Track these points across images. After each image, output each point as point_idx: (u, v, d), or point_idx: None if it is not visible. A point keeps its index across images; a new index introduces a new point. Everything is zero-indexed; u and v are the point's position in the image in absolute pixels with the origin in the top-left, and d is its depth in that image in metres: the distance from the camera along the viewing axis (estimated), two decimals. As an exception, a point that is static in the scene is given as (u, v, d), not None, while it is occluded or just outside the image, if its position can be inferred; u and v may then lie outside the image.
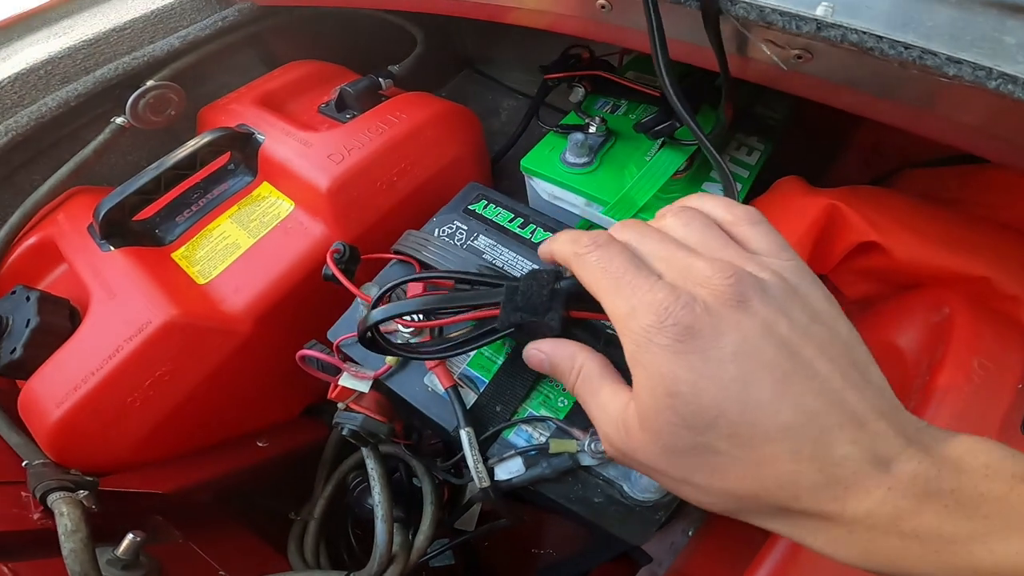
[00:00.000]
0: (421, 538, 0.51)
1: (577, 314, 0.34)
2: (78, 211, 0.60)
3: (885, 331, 0.47)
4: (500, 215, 0.50)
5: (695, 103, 0.52)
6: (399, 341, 0.41)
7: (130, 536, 0.41)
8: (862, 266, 0.49)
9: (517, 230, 0.48)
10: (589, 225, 0.55)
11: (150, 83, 0.71)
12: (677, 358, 0.21)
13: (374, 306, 0.36)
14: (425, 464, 0.57)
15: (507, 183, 0.85)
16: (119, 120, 0.69)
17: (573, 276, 0.33)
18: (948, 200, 0.53)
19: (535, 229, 0.48)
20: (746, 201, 0.54)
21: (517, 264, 0.45)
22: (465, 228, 0.48)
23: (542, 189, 0.56)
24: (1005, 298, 0.45)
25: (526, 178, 0.58)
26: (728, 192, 0.47)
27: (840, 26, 0.32)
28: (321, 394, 0.62)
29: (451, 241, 0.47)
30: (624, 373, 0.26)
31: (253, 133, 0.62)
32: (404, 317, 0.40)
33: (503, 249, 0.46)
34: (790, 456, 0.20)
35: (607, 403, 0.26)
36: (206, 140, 0.60)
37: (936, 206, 0.51)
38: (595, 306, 0.35)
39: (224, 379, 0.53)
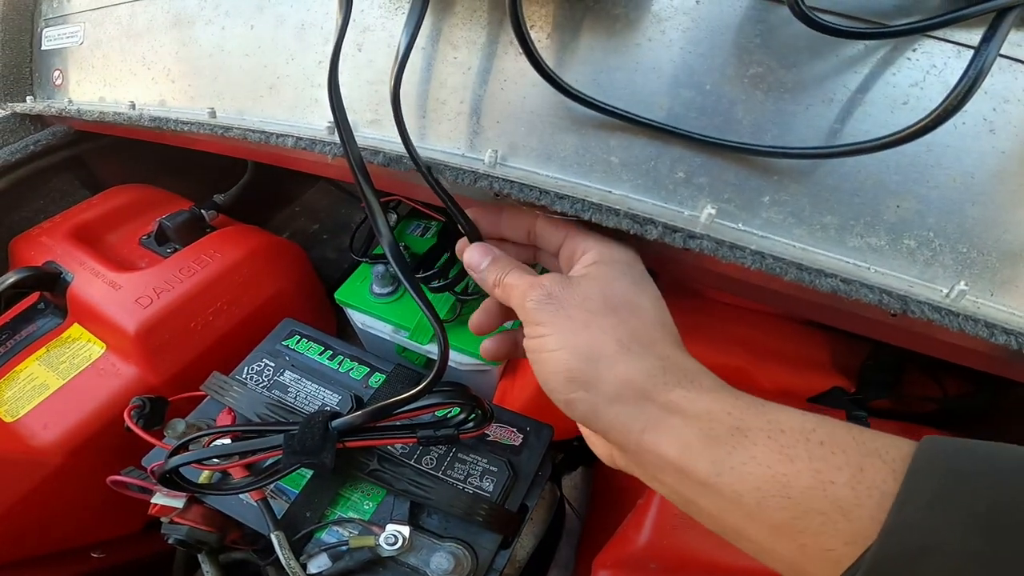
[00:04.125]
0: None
1: (352, 444, 0.42)
2: None
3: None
4: (311, 349, 0.55)
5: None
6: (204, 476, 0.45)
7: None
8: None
9: (326, 362, 0.54)
10: (403, 350, 0.62)
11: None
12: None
13: (172, 454, 0.42)
14: (276, 569, 0.59)
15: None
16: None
17: (347, 414, 0.40)
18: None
19: (342, 360, 0.55)
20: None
21: (318, 395, 0.51)
22: (273, 365, 0.53)
23: (356, 319, 0.62)
24: (709, 366, 0.58)
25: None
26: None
27: (488, 176, 0.37)
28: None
29: (258, 378, 0.52)
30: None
31: (61, 273, 0.62)
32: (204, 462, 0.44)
33: (306, 383, 0.52)
34: None
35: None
36: (9, 282, 0.60)
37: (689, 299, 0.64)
38: (367, 437, 0.42)
39: (38, 503, 0.55)
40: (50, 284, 0.62)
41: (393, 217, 0.71)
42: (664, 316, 0.30)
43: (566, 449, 0.72)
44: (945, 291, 0.32)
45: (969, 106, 0.28)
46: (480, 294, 0.60)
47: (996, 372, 0.36)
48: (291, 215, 1.02)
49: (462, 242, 0.38)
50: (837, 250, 0.33)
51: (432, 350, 0.59)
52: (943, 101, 0.27)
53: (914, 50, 0.31)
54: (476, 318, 0.39)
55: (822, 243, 0.33)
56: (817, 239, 0.33)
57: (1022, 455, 0.21)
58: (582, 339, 0.27)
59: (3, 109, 0.79)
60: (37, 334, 0.62)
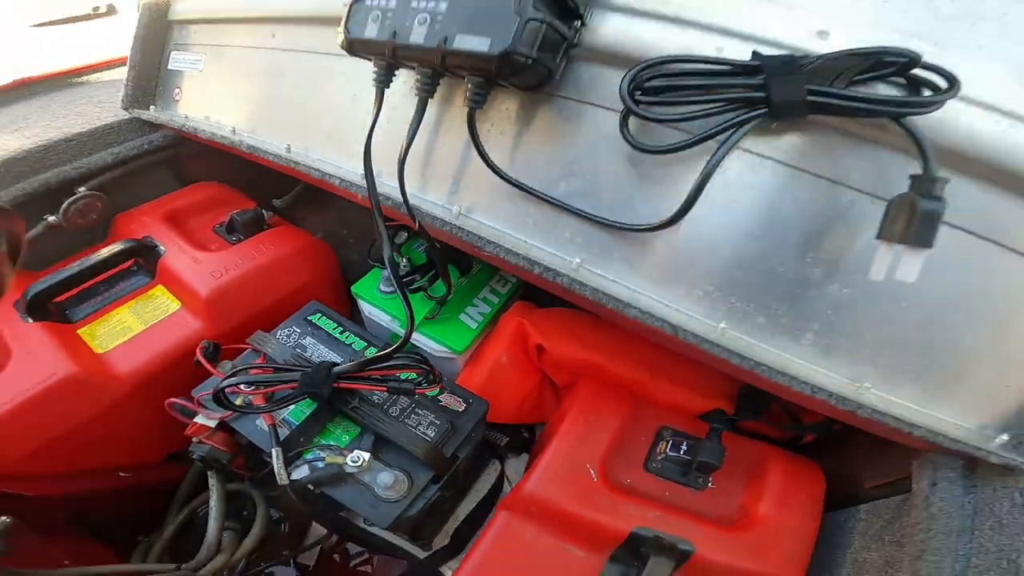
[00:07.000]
0: (248, 541, 0.70)
1: (345, 385, 0.62)
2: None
3: (562, 409, 0.76)
4: (328, 324, 0.76)
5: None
6: (239, 401, 0.65)
7: None
8: (548, 361, 0.79)
9: (338, 336, 0.75)
10: (395, 336, 0.82)
11: (82, 191, 0.90)
12: None
13: (228, 377, 0.61)
14: (263, 494, 0.77)
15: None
16: (51, 219, 0.89)
17: (350, 362, 0.60)
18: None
19: (349, 335, 0.75)
20: (494, 318, 0.84)
21: (328, 355, 0.72)
22: (298, 331, 0.74)
23: (365, 309, 0.83)
24: (613, 375, 0.75)
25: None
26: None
27: (450, 224, 0.59)
28: (183, 444, 0.80)
29: (287, 339, 0.73)
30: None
31: (156, 246, 0.84)
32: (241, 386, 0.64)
33: (320, 347, 0.72)
34: None
35: None
36: (119, 249, 0.82)
37: (589, 317, 0.80)
38: (354, 381, 0.61)
39: (102, 423, 0.69)
40: (146, 253, 0.84)
41: (404, 235, 0.91)
42: None
43: (513, 434, 0.90)
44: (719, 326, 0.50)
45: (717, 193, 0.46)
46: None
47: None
48: (328, 219, 1.24)
49: None
50: (661, 295, 0.51)
51: (419, 339, 0.79)
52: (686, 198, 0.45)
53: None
54: None
55: (651, 288, 0.51)
56: (647, 286, 0.51)
57: None
58: None
59: (129, 112, 1.02)
60: (129, 289, 0.82)
